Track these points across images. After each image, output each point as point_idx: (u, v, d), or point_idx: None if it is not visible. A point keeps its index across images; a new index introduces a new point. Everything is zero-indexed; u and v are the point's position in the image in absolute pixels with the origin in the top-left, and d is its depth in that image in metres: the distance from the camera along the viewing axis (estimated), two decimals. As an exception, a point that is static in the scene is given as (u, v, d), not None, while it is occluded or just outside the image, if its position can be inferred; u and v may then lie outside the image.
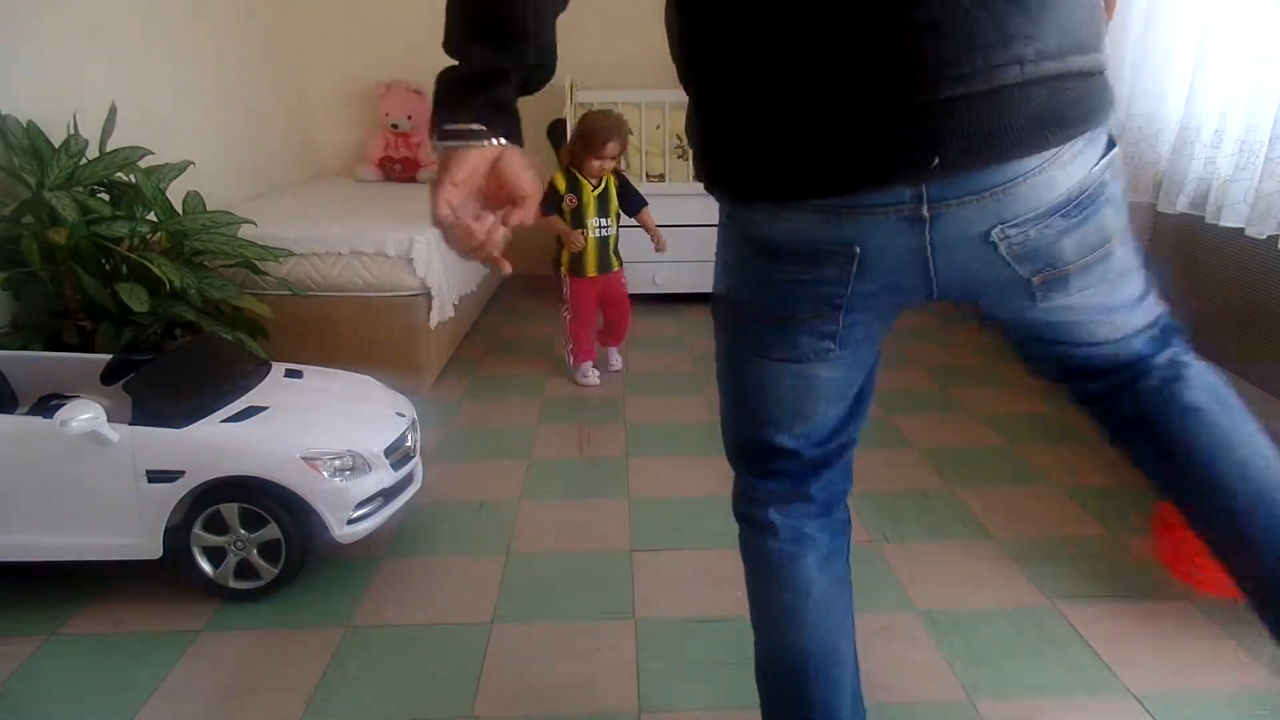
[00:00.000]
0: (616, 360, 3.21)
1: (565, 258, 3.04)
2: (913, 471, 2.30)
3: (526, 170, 0.84)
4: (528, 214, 0.85)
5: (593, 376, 3.06)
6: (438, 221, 0.83)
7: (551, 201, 2.98)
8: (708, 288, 3.56)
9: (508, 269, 0.88)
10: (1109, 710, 1.44)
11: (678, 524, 2.05)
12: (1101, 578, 1.80)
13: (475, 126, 0.80)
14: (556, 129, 4.04)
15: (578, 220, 2.97)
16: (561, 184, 2.97)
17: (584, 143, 2.92)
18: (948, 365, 3.16)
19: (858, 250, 0.83)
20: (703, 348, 3.44)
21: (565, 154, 3.04)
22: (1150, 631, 1.63)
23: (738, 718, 1.43)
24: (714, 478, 2.30)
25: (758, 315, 0.94)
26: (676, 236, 3.89)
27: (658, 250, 3.16)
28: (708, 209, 3.56)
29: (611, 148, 2.91)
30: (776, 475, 1.06)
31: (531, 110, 3.76)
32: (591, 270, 3.02)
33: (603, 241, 3.03)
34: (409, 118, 4.22)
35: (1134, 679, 1.50)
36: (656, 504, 2.15)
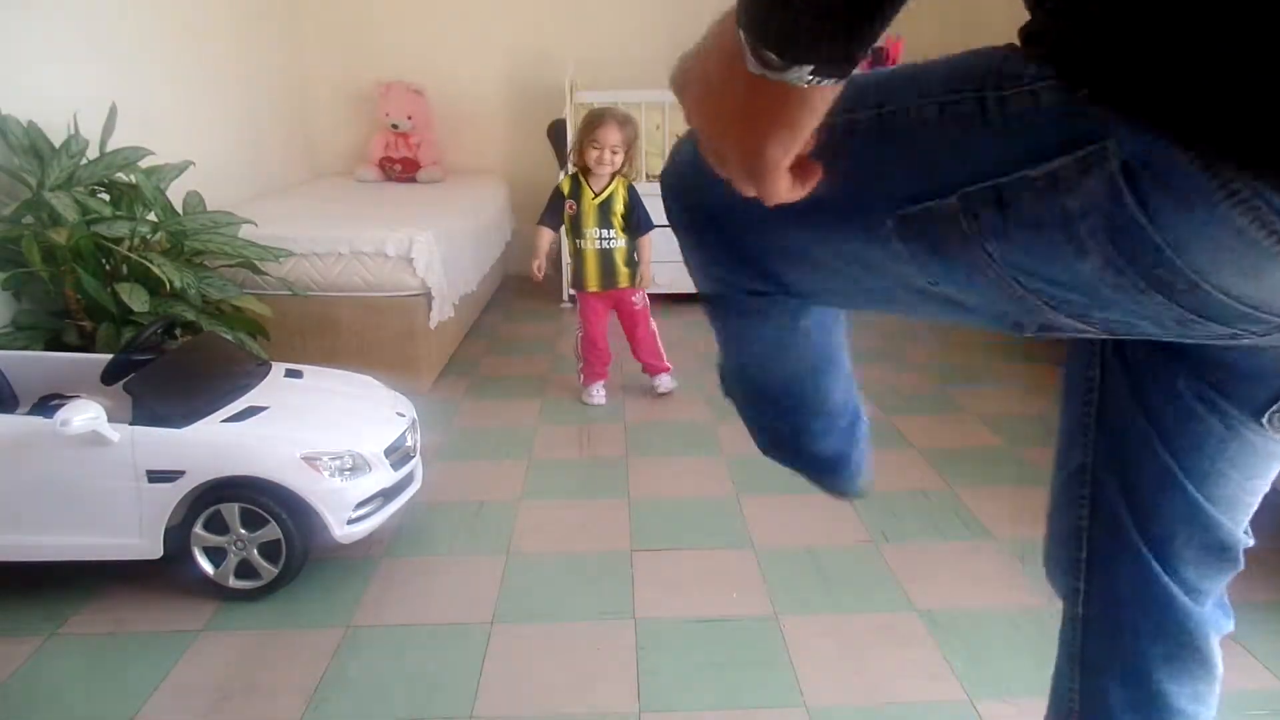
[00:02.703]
0: (662, 383, 2.95)
1: (570, 267, 2.85)
2: (913, 471, 2.30)
3: None
4: None
5: (598, 397, 2.88)
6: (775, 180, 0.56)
7: (553, 208, 2.82)
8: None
9: None
10: (1109, 710, 1.44)
11: (678, 524, 2.05)
12: (1101, 578, 1.80)
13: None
14: (556, 129, 4.04)
15: (575, 228, 2.81)
16: (565, 188, 2.82)
17: (580, 132, 2.79)
18: (948, 365, 3.16)
19: None
20: (703, 347, 3.44)
21: (574, 154, 2.84)
22: (1150, 631, 1.63)
23: (738, 718, 1.43)
24: (714, 478, 2.30)
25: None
26: (674, 236, 3.89)
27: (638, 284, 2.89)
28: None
29: (604, 134, 2.69)
30: None
31: (531, 111, 3.78)
32: (592, 284, 2.83)
33: (604, 254, 2.80)
34: (409, 118, 4.22)
35: (1134, 679, 1.50)
36: (656, 504, 2.15)
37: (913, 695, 1.47)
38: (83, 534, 1.68)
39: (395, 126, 4.23)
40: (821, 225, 0.67)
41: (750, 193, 0.56)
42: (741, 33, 0.48)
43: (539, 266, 2.85)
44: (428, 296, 2.85)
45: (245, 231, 2.43)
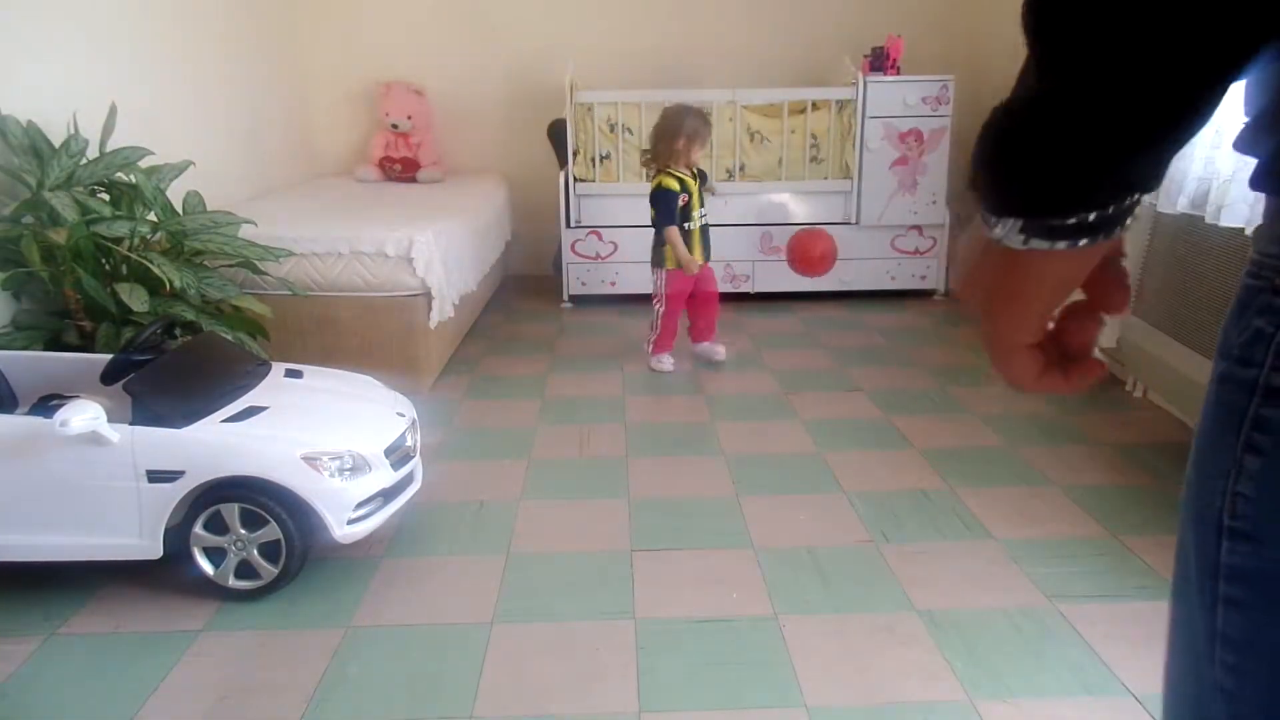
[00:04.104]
0: (720, 352, 3.21)
1: (669, 252, 3.02)
2: (913, 471, 2.30)
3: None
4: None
5: (670, 364, 3.14)
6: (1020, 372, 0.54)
7: (671, 208, 2.97)
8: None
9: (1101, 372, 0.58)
10: (1109, 710, 1.44)
11: (678, 524, 2.05)
12: (1101, 578, 1.80)
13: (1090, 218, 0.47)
14: (556, 129, 4.04)
15: (686, 216, 3.01)
16: (675, 185, 2.98)
17: (690, 139, 2.96)
18: (948, 365, 3.16)
19: None
20: (703, 348, 3.44)
21: (664, 156, 2.99)
22: (1150, 631, 1.63)
23: (737, 718, 1.43)
24: (714, 478, 2.30)
25: None
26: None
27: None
28: (707, 209, 3.47)
29: (706, 137, 3.02)
30: None
31: (531, 111, 3.79)
32: (700, 259, 3.07)
33: (704, 230, 3.08)
34: (409, 118, 4.22)
35: (1134, 679, 1.50)
36: (656, 504, 2.15)
37: (913, 695, 1.47)
38: (83, 534, 1.68)
39: (395, 126, 4.23)
40: None
41: (998, 374, 0.55)
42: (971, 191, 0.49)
43: (692, 265, 3.03)
44: (428, 296, 2.85)
45: (245, 231, 2.43)
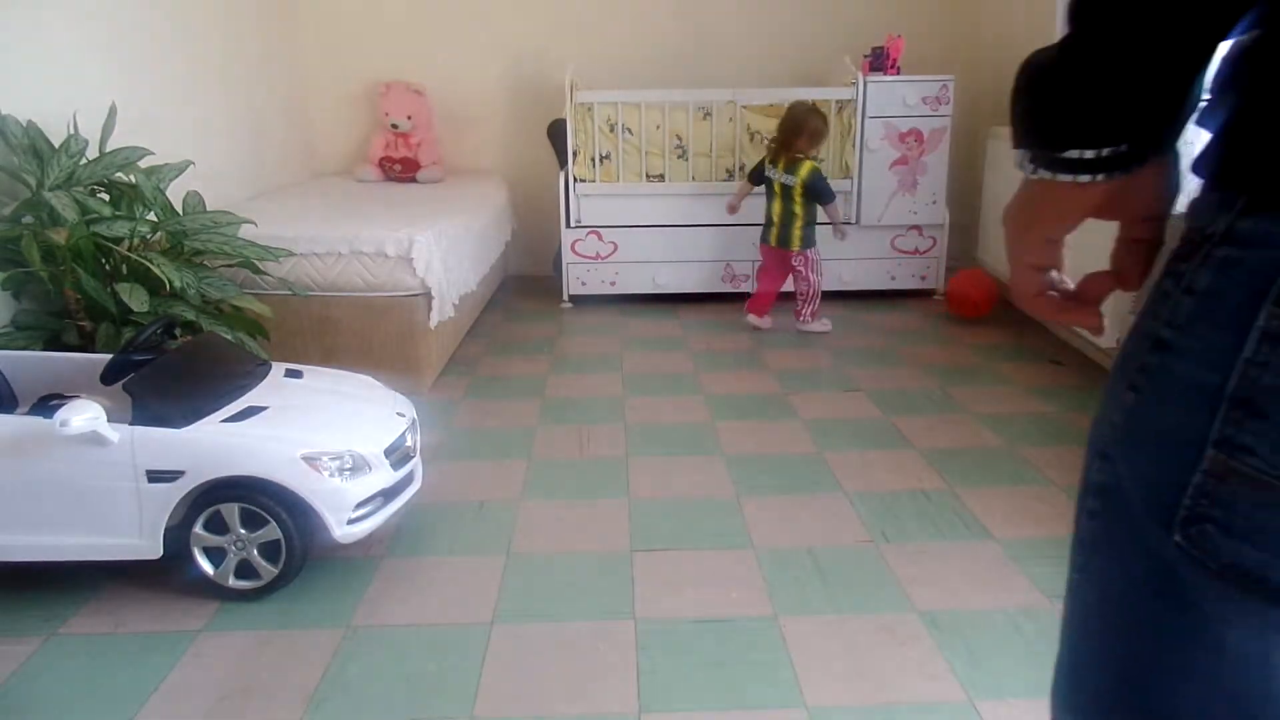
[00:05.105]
0: (767, 323, 3.68)
1: (807, 233, 3.51)
2: (913, 471, 2.30)
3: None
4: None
5: (828, 323, 3.59)
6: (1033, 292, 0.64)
7: (830, 185, 3.48)
8: (706, 288, 3.56)
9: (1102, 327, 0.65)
10: (1109, 710, 1.44)
11: (678, 524, 2.05)
12: (1101, 578, 1.80)
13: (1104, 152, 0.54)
14: (557, 129, 4.04)
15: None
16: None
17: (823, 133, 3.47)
18: (948, 365, 3.16)
19: None
20: (702, 347, 3.44)
21: (814, 150, 3.48)
22: (1150, 631, 1.63)
23: (738, 718, 1.43)
24: (714, 478, 2.30)
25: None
26: (675, 236, 3.90)
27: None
28: (706, 209, 3.56)
29: None
30: None
31: (531, 111, 3.79)
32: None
33: None
34: (409, 118, 4.22)
35: (1134, 679, 1.50)
36: (656, 504, 2.15)
37: (913, 695, 1.47)
38: (83, 534, 1.68)
39: (395, 126, 4.23)
40: None
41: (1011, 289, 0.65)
42: None
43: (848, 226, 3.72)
44: (428, 296, 2.85)
45: (245, 231, 2.43)
